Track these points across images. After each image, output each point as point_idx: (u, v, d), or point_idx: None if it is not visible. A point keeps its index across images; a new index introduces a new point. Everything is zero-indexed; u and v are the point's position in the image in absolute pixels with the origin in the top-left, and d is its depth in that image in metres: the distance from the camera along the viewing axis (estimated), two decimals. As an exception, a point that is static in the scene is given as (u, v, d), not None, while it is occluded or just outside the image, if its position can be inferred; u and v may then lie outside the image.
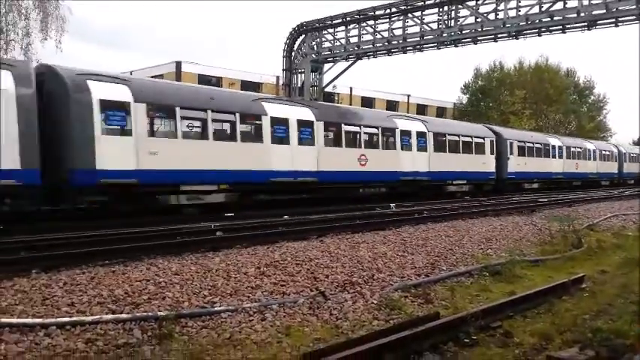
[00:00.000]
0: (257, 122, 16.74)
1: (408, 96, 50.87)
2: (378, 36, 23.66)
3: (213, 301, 6.68)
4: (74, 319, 5.69)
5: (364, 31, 24.11)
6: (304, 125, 17.86)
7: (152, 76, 24.29)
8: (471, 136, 26.07)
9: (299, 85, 26.34)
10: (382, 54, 24.47)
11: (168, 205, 14.68)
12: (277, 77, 34.46)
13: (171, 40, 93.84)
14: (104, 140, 12.91)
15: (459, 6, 21.39)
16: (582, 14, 18.43)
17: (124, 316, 5.90)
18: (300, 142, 17.68)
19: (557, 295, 7.64)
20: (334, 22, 24.81)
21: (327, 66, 26.43)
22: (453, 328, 5.83)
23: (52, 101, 12.66)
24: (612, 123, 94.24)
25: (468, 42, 22.13)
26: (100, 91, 13.02)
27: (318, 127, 18.30)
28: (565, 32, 19.91)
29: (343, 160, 19.06)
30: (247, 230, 11.82)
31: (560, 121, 55.93)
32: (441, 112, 52.97)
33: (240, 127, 16.10)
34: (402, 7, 22.58)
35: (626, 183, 43.32)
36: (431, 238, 11.84)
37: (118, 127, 13.45)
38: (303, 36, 26.12)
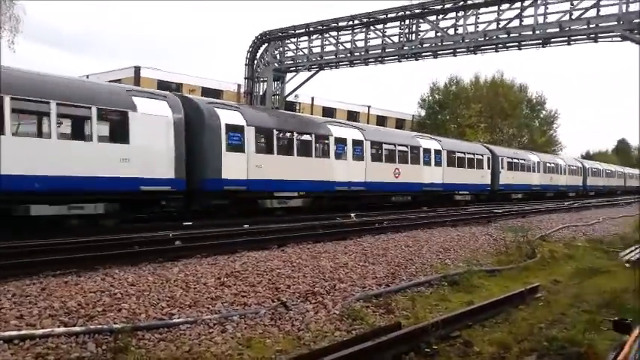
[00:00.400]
0: (326, 142, 20.51)
1: (369, 107, 51.50)
2: (341, 47, 23.88)
3: (171, 313, 6.49)
4: (23, 332, 5.42)
5: (327, 42, 24.30)
6: (357, 144, 21.72)
7: (110, 81, 23.60)
8: (473, 154, 30.46)
9: (261, 93, 26.26)
10: (344, 65, 24.71)
11: (264, 208, 17.88)
12: (239, 85, 34.25)
13: (131, 45, 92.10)
14: (227, 156, 16.29)
15: (420, 20, 21.85)
16: (537, 32, 19.14)
17: (77, 329, 5.66)
18: (354, 157, 21.54)
19: (513, 304, 7.83)
20: (297, 31, 24.91)
21: (289, 75, 26.47)
22: (414, 338, 5.87)
23: (191, 125, 15.55)
24: (562, 137, 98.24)
25: (428, 56, 22.62)
26: (225, 117, 16.52)
27: (367, 146, 22.22)
28: (521, 49, 20.65)
29: (383, 173, 23.07)
30: (207, 239, 11.59)
31: (514, 135, 57.85)
32: (400, 123, 53.83)
33: (314, 146, 19.74)
34: (365, 20, 22.90)
35: (588, 195, 47.32)
36: (391, 248, 11.94)
37: (236, 145, 16.68)
38: (266, 45, 26.10)
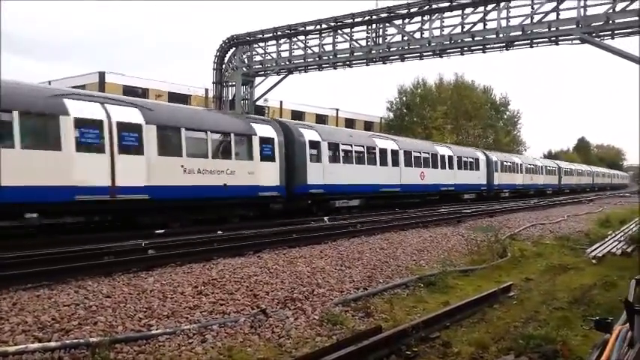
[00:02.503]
0: (373, 151, 24.66)
1: (337, 110, 51.73)
2: (309, 51, 23.95)
3: (149, 324, 6.39)
4: (-4, 350, 5.25)
5: (295, 46, 24.33)
6: (393, 154, 25.96)
7: (73, 87, 23.00)
8: (476, 159, 35.35)
9: (230, 97, 26.09)
10: (313, 69, 24.78)
11: (333, 207, 21.92)
12: (206, 90, 33.93)
13: (96, 51, 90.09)
14: (310, 166, 20.64)
15: (387, 24, 22.11)
16: (501, 35, 19.62)
17: (52, 344, 5.50)
18: (392, 164, 25.64)
19: (488, 303, 7.99)
20: (265, 36, 24.88)
21: (258, 79, 26.39)
22: (395, 342, 5.93)
23: (285, 143, 19.77)
24: (525, 137, 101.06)
25: (396, 59, 22.89)
26: (308, 135, 20.99)
27: (401, 154, 26.50)
28: (485, 52, 21.11)
29: (412, 176, 27.29)
30: (181, 247, 11.44)
31: (479, 135, 59.02)
32: (368, 126, 54.25)
33: (366, 155, 24.02)
34: (332, 24, 23.02)
35: (564, 192, 53.51)
36: (366, 251, 12.03)
37: (316, 157, 21.07)
38: (234, 49, 25.97)
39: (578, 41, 18.48)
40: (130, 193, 14.33)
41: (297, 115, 45.36)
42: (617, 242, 15.17)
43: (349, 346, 5.52)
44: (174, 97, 35.34)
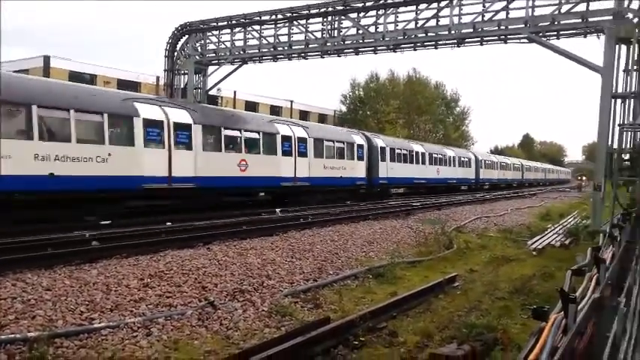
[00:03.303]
0: (412, 153, 33.55)
1: (292, 102, 51.53)
2: (264, 41, 23.68)
3: (91, 318, 6.20)
4: None
5: (250, 36, 24.00)
6: (421, 155, 34.96)
7: (16, 71, 21.79)
8: (468, 158, 44.66)
9: (182, 86, 25.51)
10: (268, 59, 24.52)
11: (391, 193, 31.81)
12: (157, 77, 33.04)
13: (37, 33, 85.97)
14: (381, 164, 29.01)
15: (342, 17, 22.13)
16: (453, 32, 20.00)
17: (-15, 339, 5.27)
18: (422, 162, 34.86)
19: (434, 294, 8.20)
20: (219, 24, 24.39)
21: (211, 68, 25.89)
22: (343, 332, 6.00)
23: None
24: (473, 132, 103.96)
25: (351, 52, 22.97)
26: (379, 142, 29.51)
27: (425, 156, 35.36)
28: (437, 48, 21.48)
29: (430, 171, 36.04)
30: (127, 239, 11.13)
31: (430, 130, 60.24)
32: (322, 118, 54.33)
33: (410, 156, 32.95)
34: (288, 15, 22.83)
35: (525, 186, 61.65)
36: (317, 242, 12.08)
37: (383, 157, 29.28)
38: (187, 36, 25.34)
39: (525, 40, 19.10)
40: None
41: (251, 106, 44.88)
42: (556, 235, 15.88)
43: (297, 337, 5.54)
44: (124, 84, 34.19)
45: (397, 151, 31.28)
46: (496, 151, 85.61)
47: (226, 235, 12.19)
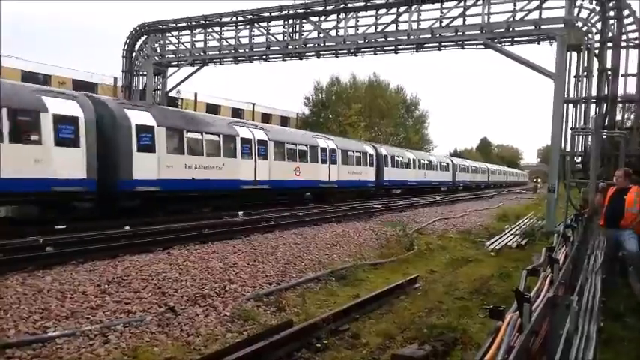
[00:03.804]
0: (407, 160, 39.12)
1: (254, 104, 51.22)
2: (225, 43, 23.51)
3: (46, 326, 5.98)
4: None
5: (210, 37, 23.78)
6: (444, 164, 46.93)
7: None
8: (447, 163, 50.73)
9: (141, 87, 25.01)
10: (229, 61, 24.37)
11: (392, 194, 37.18)
12: (115, 78, 32.28)
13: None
14: (385, 169, 34.29)
15: (303, 20, 22.20)
16: (412, 37, 20.36)
17: None
18: (419, 168, 40.97)
19: (395, 295, 8.30)
20: (179, 25, 24.08)
21: (171, 70, 25.55)
22: (306, 335, 6.00)
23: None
24: (433, 136, 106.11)
25: (312, 55, 23.07)
26: (382, 150, 35.06)
27: (415, 162, 40.67)
28: (397, 53, 21.82)
29: (420, 175, 41.49)
30: (83, 244, 10.81)
31: (391, 133, 61.01)
32: (284, 121, 54.22)
33: (406, 163, 38.91)
34: (249, 17, 22.75)
35: (490, 187, 67.68)
36: (280, 245, 12.04)
37: (387, 164, 34.56)
38: (145, 37, 24.93)
39: (482, 46, 19.63)
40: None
41: (213, 109, 44.34)
42: (513, 236, 16.34)
43: (260, 341, 5.50)
44: (80, 85, 33.17)
45: (396, 158, 36.75)
46: (455, 154, 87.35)
47: (187, 239, 12.00)
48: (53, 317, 6.25)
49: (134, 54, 25.11)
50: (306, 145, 25.60)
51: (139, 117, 16.68)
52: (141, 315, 6.62)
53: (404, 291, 8.58)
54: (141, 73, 25.13)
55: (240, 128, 21.41)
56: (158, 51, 24.81)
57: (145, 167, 16.34)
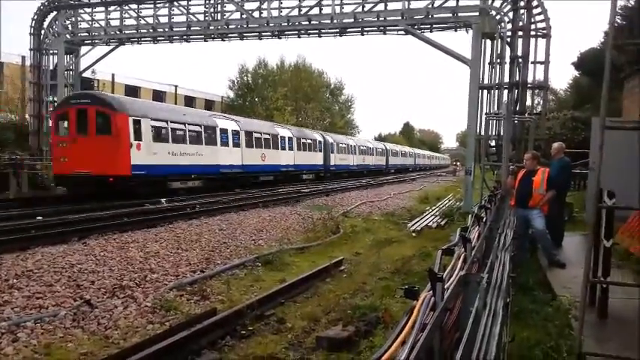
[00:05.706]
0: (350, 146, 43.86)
1: (176, 87, 49.57)
2: (142, 22, 22.49)
3: (-56, 328, 5.52)
4: None
5: (127, 15, 22.65)
6: (379, 149, 53.25)
7: None
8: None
9: (51, 67, 23.43)
10: (147, 41, 23.37)
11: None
12: (23, 57, 30.03)
13: None
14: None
15: (225, 0, 21.66)
16: (335, 21, 20.46)
17: None
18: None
19: (321, 278, 8.40)
20: (92, 1, 22.71)
21: (84, 49, 24.10)
22: (230, 322, 5.93)
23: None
24: (358, 121, 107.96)
25: (235, 37, 22.60)
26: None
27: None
28: (321, 36, 21.88)
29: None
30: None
31: (318, 118, 61.35)
32: (209, 105, 52.94)
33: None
34: (168, -5, 21.87)
35: (416, 170, 71.98)
36: (205, 232, 11.81)
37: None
38: (55, 13, 23.31)
39: (402, 32, 20.09)
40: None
41: (132, 91, 42.40)
42: (433, 217, 17.01)
43: (182, 331, 5.38)
44: (-19, 64, 30.61)
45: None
46: (380, 139, 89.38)
47: (105, 227, 11.46)
48: (-47, 317, 5.78)
49: (43, 31, 23.45)
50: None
51: (330, 139, 35.55)
52: (54, 310, 6.28)
53: (329, 274, 8.70)
54: (51, 52, 23.53)
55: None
56: (70, 28, 23.32)
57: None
